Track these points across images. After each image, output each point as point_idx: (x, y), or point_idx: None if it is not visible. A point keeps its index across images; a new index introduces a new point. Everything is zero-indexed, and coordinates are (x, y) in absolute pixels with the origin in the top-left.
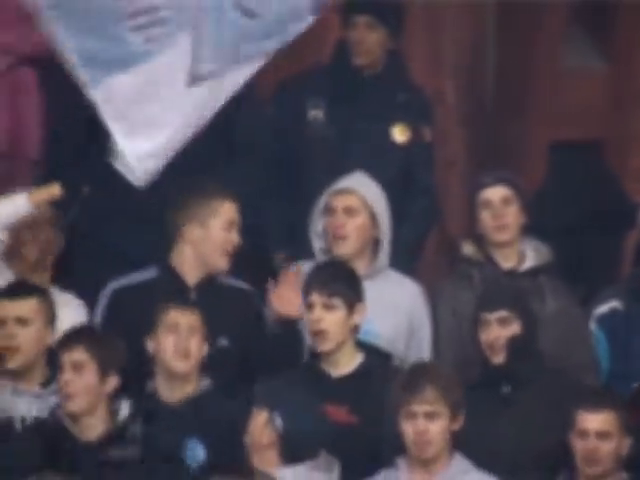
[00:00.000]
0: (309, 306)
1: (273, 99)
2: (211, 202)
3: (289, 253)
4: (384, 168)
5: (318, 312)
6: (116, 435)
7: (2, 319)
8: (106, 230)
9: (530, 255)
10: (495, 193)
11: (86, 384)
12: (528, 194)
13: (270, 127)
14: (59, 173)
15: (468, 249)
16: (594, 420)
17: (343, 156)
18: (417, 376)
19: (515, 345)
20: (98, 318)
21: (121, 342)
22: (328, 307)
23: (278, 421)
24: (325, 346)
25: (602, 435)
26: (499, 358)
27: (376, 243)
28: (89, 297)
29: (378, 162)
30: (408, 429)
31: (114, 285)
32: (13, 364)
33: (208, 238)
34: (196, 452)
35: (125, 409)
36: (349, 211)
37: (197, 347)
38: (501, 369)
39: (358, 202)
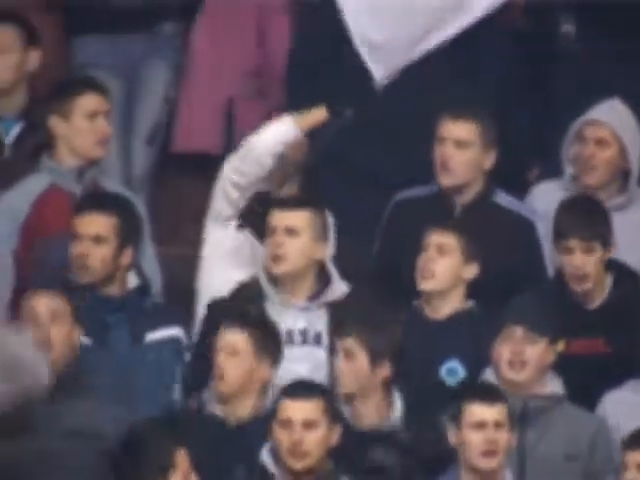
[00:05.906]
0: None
1: (524, 12)
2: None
3: (541, 169)
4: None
5: (578, 256)
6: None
7: (273, 228)
8: (357, 152)
9: None
10: None
11: (356, 371)
12: None
13: (518, 41)
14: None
15: None
16: None
17: (592, 74)
18: None
19: None
20: (381, 230)
21: (397, 327)
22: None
23: None
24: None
25: None
26: None
27: (625, 174)
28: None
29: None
30: None
31: (398, 196)
32: (278, 271)
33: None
34: (457, 371)
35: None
36: (600, 142)
37: (446, 268)
38: None
39: (609, 134)
